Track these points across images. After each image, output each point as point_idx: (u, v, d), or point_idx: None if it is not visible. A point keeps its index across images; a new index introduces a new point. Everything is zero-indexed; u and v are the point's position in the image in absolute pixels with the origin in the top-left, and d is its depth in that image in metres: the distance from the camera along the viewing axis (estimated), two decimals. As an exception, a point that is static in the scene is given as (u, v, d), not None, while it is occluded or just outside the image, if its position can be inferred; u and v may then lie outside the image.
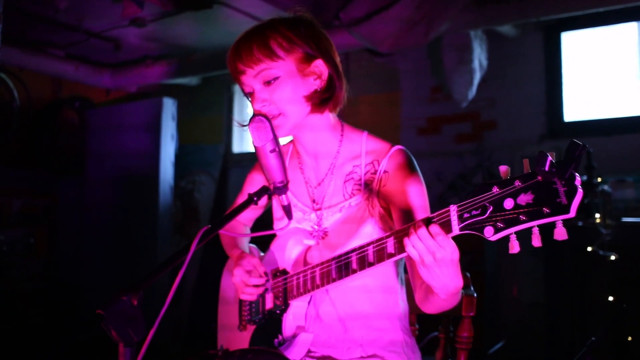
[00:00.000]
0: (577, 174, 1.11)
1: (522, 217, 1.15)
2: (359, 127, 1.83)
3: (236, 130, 6.41)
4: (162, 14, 4.55)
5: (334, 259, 1.58)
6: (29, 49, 5.17)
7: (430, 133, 5.26)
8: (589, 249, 3.66)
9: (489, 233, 1.20)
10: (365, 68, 5.51)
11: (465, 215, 1.24)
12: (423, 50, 5.06)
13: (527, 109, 4.84)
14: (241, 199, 1.97)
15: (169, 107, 5.34)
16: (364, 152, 1.76)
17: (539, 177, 1.13)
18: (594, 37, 4.75)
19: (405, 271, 1.73)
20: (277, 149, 1.51)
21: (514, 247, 1.19)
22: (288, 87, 1.63)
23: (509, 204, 1.17)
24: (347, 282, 1.57)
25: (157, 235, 5.18)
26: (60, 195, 5.80)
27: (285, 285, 1.74)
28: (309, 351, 1.77)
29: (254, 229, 2.03)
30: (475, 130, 5.06)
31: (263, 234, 1.64)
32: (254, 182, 1.99)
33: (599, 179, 3.83)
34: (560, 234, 1.14)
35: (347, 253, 1.54)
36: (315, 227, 1.79)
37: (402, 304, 1.79)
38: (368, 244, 1.49)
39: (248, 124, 1.53)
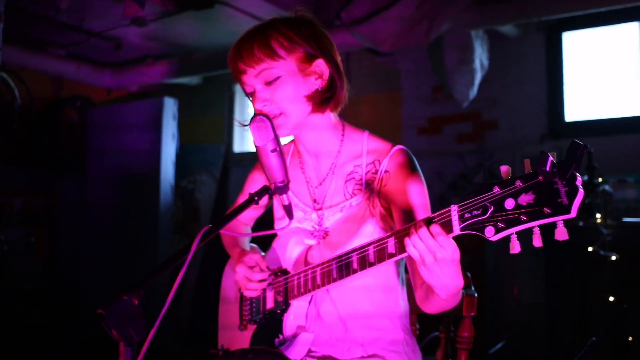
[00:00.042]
0: (578, 174, 1.11)
1: (523, 217, 1.15)
2: (359, 126, 1.83)
3: (237, 129, 6.42)
4: (163, 14, 4.55)
5: (334, 258, 1.58)
6: (30, 48, 5.17)
7: (431, 133, 5.26)
8: (590, 249, 3.66)
9: (489, 233, 1.20)
10: (366, 68, 5.51)
11: (466, 215, 1.24)
12: (424, 50, 5.06)
13: (528, 109, 4.84)
14: (242, 198, 1.98)
15: (170, 106, 5.34)
16: (365, 151, 1.76)
17: (540, 177, 1.13)
18: (595, 37, 4.75)
19: (406, 271, 1.73)
20: (278, 149, 1.51)
21: (515, 247, 1.19)
22: (289, 86, 1.63)
23: (509, 204, 1.17)
24: (347, 281, 1.57)
25: (158, 234, 5.19)
26: (60, 194, 5.81)
27: (285, 285, 1.74)
28: (310, 351, 1.77)
29: (254, 228, 2.03)
30: (476, 130, 5.06)
31: (264, 234, 1.64)
32: (255, 181, 1.99)
33: (600, 179, 3.83)
34: (561, 234, 1.14)
35: (348, 253, 1.54)
36: (316, 226, 1.79)
37: (402, 304, 1.79)
38: (369, 244, 1.48)
39: (249, 124, 1.53)
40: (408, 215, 1.60)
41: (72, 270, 5.66)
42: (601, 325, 3.62)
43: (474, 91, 4.75)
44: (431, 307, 1.54)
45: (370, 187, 1.72)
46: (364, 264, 1.49)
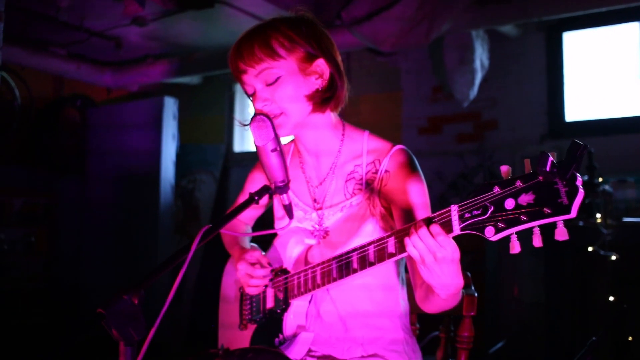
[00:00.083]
0: (578, 174, 1.11)
1: (523, 217, 1.15)
2: (360, 126, 1.83)
3: (237, 129, 6.42)
4: (163, 13, 4.55)
5: (334, 258, 1.58)
6: (30, 47, 5.17)
7: (431, 133, 5.26)
8: (590, 249, 3.66)
9: (489, 233, 1.20)
10: (367, 68, 5.51)
11: (466, 215, 1.24)
12: (424, 50, 5.06)
13: (528, 109, 4.84)
14: (242, 198, 1.97)
15: (170, 106, 5.34)
16: (365, 151, 1.76)
17: (540, 177, 1.13)
18: (595, 37, 4.75)
19: (406, 270, 1.73)
20: (278, 148, 1.51)
21: (515, 247, 1.19)
22: (289, 86, 1.63)
23: (510, 204, 1.17)
24: (348, 281, 1.57)
25: (158, 234, 5.19)
26: (60, 194, 5.81)
27: (286, 284, 1.74)
28: (310, 350, 1.77)
29: (255, 228, 2.03)
30: (477, 130, 5.06)
31: (264, 233, 1.64)
32: (255, 181, 1.99)
33: (600, 179, 3.84)
34: (561, 234, 1.14)
35: (348, 252, 1.54)
36: (317, 226, 1.79)
37: (402, 303, 1.79)
38: (369, 244, 1.49)
39: (249, 123, 1.53)
40: (408, 214, 1.60)
41: (72, 270, 5.66)
42: (601, 325, 3.62)
43: (474, 91, 4.75)
44: (431, 307, 1.54)
45: (370, 187, 1.72)
46: (364, 263, 1.49)
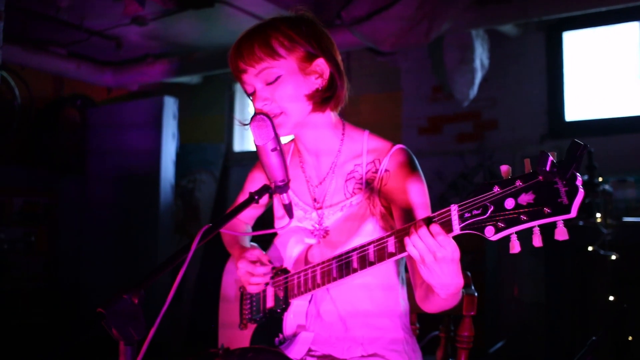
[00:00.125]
0: (578, 174, 1.11)
1: (523, 217, 1.15)
2: (360, 126, 1.83)
3: (237, 129, 6.42)
4: (163, 13, 4.55)
5: (334, 258, 1.58)
6: (30, 47, 5.18)
7: (431, 132, 5.26)
8: (590, 248, 3.66)
9: (489, 233, 1.20)
10: (367, 67, 5.51)
11: (466, 214, 1.24)
12: (424, 50, 5.06)
13: (528, 109, 4.84)
14: (242, 197, 1.97)
15: (170, 105, 5.34)
16: (365, 151, 1.76)
17: (540, 177, 1.13)
18: (595, 36, 4.75)
19: (406, 270, 1.73)
20: (278, 148, 1.51)
21: (515, 247, 1.19)
22: (289, 85, 1.63)
23: (509, 203, 1.17)
24: (348, 280, 1.57)
25: (158, 234, 5.19)
26: (61, 193, 5.81)
27: (286, 284, 1.74)
28: (310, 350, 1.77)
29: (255, 227, 2.03)
30: (477, 129, 5.06)
31: (264, 233, 1.64)
32: (255, 180, 1.99)
33: (600, 179, 3.84)
34: (561, 233, 1.14)
35: (348, 252, 1.54)
36: (317, 225, 1.79)
37: (402, 303, 1.79)
38: (369, 243, 1.49)
39: (249, 123, 1.54)
40: (408, 214, 1.60)
41: (72, 269, 5.66)
42: (601, 325, 3.62)
43: (474, 91, 4.75)
44: (431, 307, 1.54)
45: (370, 186, 1.72)
46: (364, 263, 1.49)
